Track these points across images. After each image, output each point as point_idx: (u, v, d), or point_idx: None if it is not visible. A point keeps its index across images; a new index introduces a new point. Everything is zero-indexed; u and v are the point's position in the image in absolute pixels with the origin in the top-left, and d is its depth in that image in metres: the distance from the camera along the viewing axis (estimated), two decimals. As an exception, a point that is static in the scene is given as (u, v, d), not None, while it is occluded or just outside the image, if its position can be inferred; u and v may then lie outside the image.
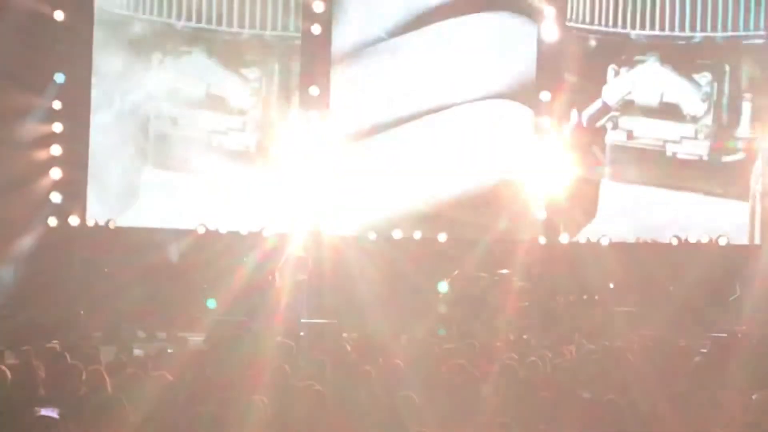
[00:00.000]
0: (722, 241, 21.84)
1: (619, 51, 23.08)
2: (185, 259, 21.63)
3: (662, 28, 23.04)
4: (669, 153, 23.03)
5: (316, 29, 22.36)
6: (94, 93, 21.69)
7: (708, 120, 23.07)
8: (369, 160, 22.69)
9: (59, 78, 20.92)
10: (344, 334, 14.76)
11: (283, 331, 15.27)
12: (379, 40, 22.57)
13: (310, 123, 22.05)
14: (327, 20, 22.47)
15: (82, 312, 18.78)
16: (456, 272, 20.31)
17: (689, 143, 23.06)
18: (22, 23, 20.04)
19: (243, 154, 22.53)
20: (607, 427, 8.35)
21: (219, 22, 22.48)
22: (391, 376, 10.13)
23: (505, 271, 21.13)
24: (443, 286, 20.16)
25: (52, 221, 20.85)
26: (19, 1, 20.16)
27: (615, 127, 23.09)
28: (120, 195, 21.97)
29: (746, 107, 22.98)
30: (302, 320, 18.88)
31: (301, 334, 15.20)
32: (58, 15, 20.86)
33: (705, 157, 23.01)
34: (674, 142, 23.06)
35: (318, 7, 22.31)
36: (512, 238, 21.78)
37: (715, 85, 23.06)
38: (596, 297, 21.13)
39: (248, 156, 22.52)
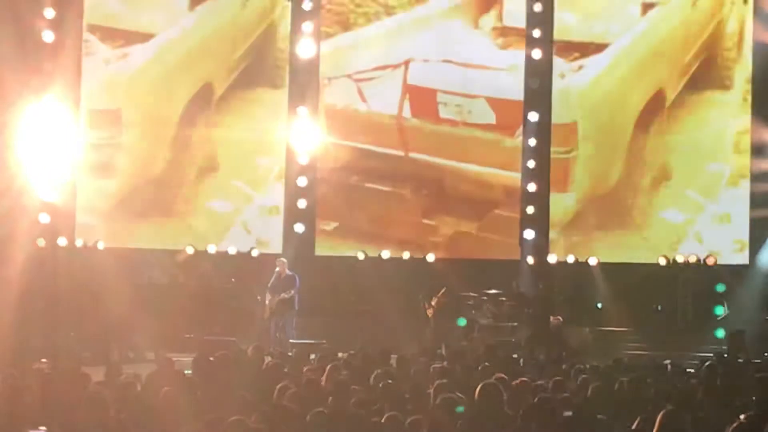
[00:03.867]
0: (710, 261, 21.82)
1: None
2: (174, 279, 21.62)
3: None
4: None
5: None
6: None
7: None
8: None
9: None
10: (339, 354, 14.72)
11: (272, 351, 15.24)
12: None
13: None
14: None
15: (72, 333, 18.76)
16: (444, 289, 20.27)
17: None
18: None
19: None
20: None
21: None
22: (379, 396, 10.12)
23: (492, 290, 21.15)
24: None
25: (41, 242, 20.76)
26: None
27: None
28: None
29: None
30: (291, 340, 18.88)
31: (290, 354, 15.17)
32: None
33: None
34: None
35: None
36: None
37: None
38: (584, 317, 21.15)
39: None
